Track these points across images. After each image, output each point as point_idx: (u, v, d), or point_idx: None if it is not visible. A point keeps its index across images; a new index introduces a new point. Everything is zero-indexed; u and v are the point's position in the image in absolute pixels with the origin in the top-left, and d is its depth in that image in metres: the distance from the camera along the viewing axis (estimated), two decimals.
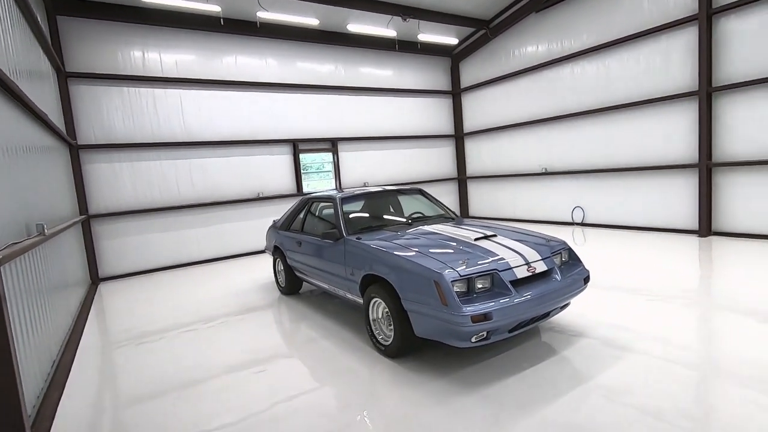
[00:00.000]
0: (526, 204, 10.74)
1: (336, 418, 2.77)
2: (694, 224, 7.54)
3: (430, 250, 3.38)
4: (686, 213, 7.65)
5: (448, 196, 12.45)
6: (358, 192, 4.88)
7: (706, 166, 7.13)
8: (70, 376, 3.77)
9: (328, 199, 4.77)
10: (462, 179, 12.54)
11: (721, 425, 2.40)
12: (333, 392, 3.12)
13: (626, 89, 8.20)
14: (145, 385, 3.47)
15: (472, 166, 12.25)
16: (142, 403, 3.20)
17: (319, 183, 10.38)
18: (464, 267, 3.05)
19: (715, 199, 7.27)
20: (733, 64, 6.79)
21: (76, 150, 7.29)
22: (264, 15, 8.01)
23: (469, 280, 3.01)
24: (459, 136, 12.32)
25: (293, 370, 3.54)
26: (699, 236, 7.32)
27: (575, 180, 9.48)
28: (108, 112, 7.64)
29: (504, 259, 3.21)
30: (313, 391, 3.15)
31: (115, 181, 7.76)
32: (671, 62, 7.50)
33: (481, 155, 11.88)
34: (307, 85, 9.64)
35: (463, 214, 12.69)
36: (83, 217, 6.94)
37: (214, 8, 7.39)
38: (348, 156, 10.51)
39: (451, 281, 2.92)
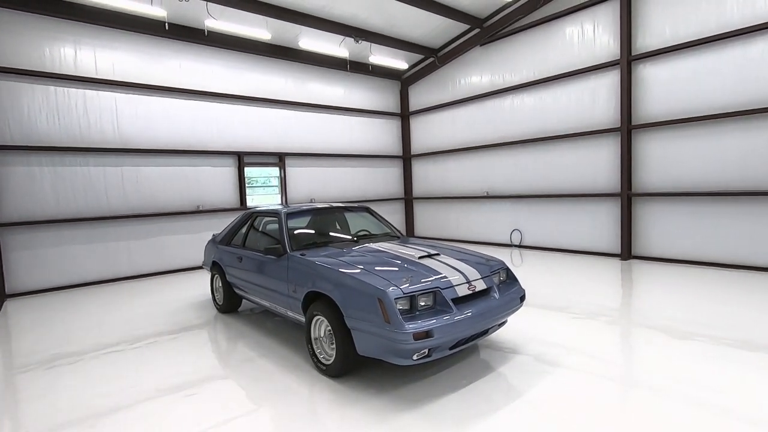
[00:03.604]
0: (469, 225, 11.15)
1: None
2: (617, 248, 8.21)
3: (375, 268, 3.39)
4: (610, 238, 8.33)
5: (394, 215, 12.62)
6: (305, 208, 4.81)
7: (627, 196, 7.85)
8: None
9: (273, 213, 4.65)
10: (409, 199, 12.80)
11: (637, 428, 2.59)
12: (270, 414, 2.98)
13: (559, 122, 8.89)
14: (54, 414, 3.11)
15: (419, 187, 12.56)
16: None
17: (264, 197, 10.12)
18: (408, 285, 3.08)
19: (634, 226, 7.99)
20: (649, 106, 7.61)
21: None
22: (212, 24, 7.81)
23: (412, 298, 3.05)
24: (407, 158, 12.62)
25: (228, 392, 3.35)
26: (621, 259, 7.97)
27: (514, 204, 10.01)
28: (30, 112, 6.98)
29: (446, 277, 3.29)
30: (247, 414, 2.99)
31: (33, 187, 7.05)
32: (598, 100, 8.27)
33: (427, 177, 12.23)
34: (256, 97, 9.45)
35: (408, 234, 12.90)
36: None
37: (160, 12, 7.10)
38: (295, 171, 10.37)
39: (395, 299, 2.94)
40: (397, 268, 3.39)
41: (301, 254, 3.92)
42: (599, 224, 8.48)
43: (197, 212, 8.76)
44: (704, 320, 4.53)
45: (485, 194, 10.53)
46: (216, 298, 5.68)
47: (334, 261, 3.59)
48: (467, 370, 3.57)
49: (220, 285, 5.47)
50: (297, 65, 10.18)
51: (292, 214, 4.55)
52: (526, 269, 7.69)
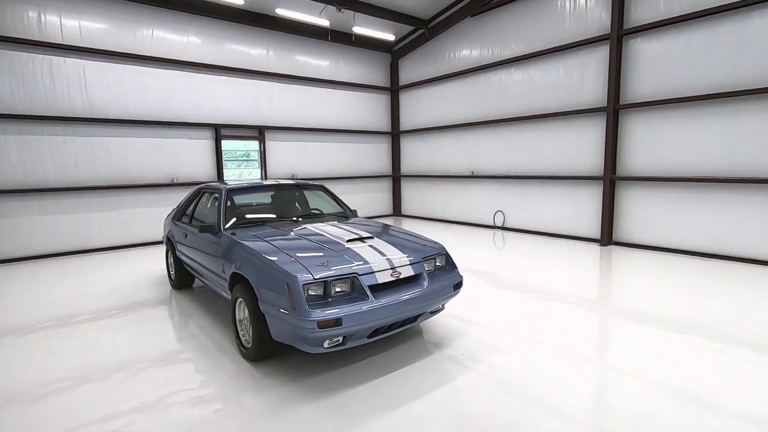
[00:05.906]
0: (455, 206, 10.89)
1: (177, 424, 2.55)
2: (598, 234, 7.94)
3: (296, 251, 3.21)
4: (591, 223, 8.04)
5: (382, 194, 12.39)
6: (251, 184, 4.62)
7: (610, 180, 7.52)
8: None
9: (216, 190, 4.48)
10: (396, 177, 12.52)
11: (572, 406, 2.45)
12: (203, 393, 2.90)
13: (547, 100, 8.48)
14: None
15: (407, 165, 12.26)
16: None
17: (243, 172, 9.94)
18: (321, 270, 2.91)
19: (616, 211, 7.68)
20: (638, 85, 7.18)
21: None
22: None
23: (325, 284, 2.88)
24: (395, 134, 12.28)
25: (166, 368, 3.26)
26: (600, 245, 7.71)
27: (498, 185, 9.72)
28: None
29: (368, 263, 3.11)
30: (183, 391, 2.89)
31: None
32: (587, 77, 7.83)
33: (415, 155, 11.91)
34: (234, 68, 9.14)
35: (396, 213, 12.70)
36: None
37: None
38: (276, 146, 10.13)
39: (303, 284, 2.77)
40: (319, 253, 3.21)
41: (231, 233, 3.76)
42: (581, 208, 8.18)
43: (172, 185, 8.62)
44: (667, 309, 4.32)
45: (470, 173, 10.22)
46: (170, 273, 5.59)
47: (259, 243, 3.42)
48: (405, 354, 3.46)
49: (173, 261, 5.36)
50: (279, 35, 9.79)
51: (234, 191, 4.37)
52: (506, 252, 7.49)
